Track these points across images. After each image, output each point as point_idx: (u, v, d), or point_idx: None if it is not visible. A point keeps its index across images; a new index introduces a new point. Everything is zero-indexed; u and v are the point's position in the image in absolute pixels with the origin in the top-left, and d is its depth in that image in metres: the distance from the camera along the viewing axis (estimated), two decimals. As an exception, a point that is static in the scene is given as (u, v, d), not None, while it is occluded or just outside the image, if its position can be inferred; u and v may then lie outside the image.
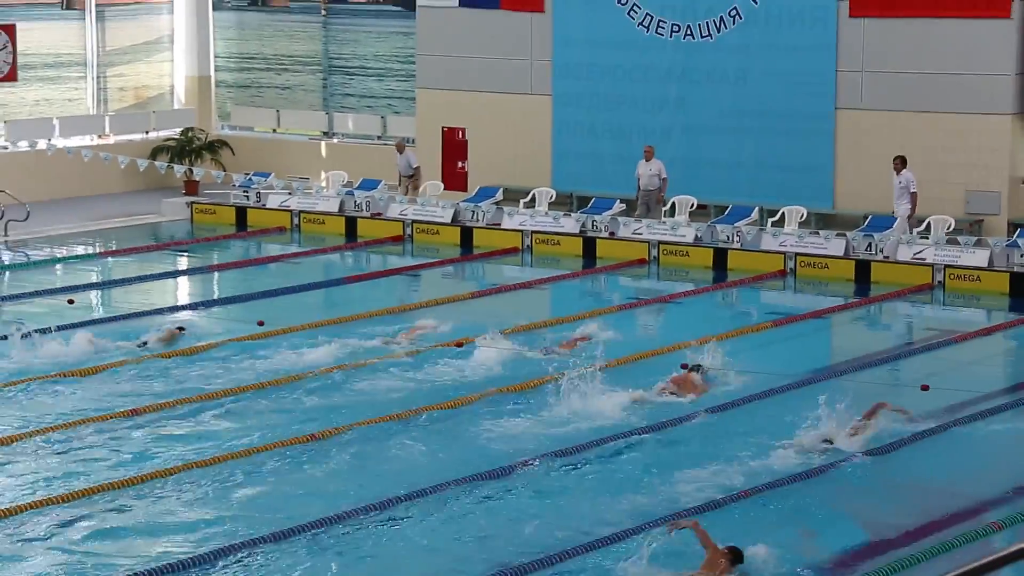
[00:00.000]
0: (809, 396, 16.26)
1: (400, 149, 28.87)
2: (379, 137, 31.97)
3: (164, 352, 18.64)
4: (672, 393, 16.59)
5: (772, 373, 17.86)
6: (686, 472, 14.19)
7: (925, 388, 17.44)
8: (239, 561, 12.41)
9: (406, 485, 13.81)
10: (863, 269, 23.85)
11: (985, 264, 23.27)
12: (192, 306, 21.77)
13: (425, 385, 17.35)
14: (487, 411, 16.13)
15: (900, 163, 24.62)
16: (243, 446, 15.10)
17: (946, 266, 23.31)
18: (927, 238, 24.06)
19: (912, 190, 24.47)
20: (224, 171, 29.98)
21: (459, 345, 18.98)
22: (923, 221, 24.84)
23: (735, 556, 12.01)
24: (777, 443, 14.83)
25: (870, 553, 12.77)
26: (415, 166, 28.64)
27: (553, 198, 27.73)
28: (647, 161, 26.52)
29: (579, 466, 14.57)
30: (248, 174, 29.45)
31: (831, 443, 14.92)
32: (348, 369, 17.80)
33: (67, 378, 17.33)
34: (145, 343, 18.98)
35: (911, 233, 24.12)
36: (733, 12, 27.31)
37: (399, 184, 28.69)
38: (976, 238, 24.00)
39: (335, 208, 28.16)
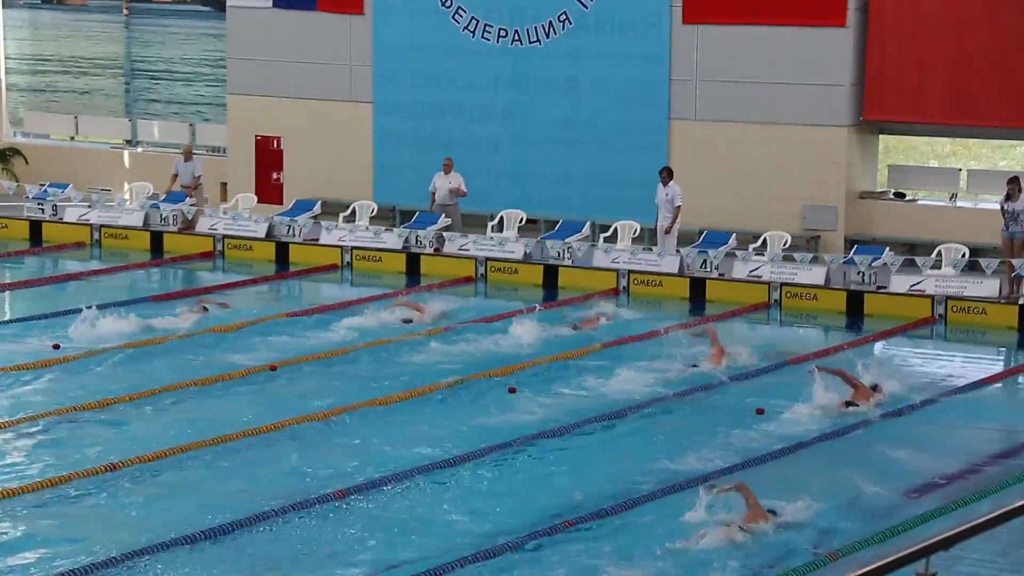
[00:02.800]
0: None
1: (188, 155, 28.58)
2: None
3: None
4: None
5: (595, 398, 18.18)
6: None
7: (760, 412, 17.88)
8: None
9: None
10: (698, 287, 24.33)
11: (822, 282, 23.91)
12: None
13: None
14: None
15: (667, 175, 25.23)
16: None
17: (782, 284, 23.91)
18: (763, 255, 24.64)
19: (677, 204, 25.07)
20: (16, 182, 29.44)
21: (272, 368, 19.08)
22: (759, 237, 25.43)
23: (774, 512, 14.07)
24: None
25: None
26: (198, 174, 28.38)
27: (375, 212, 27.76)
28: (446, 174, 26.71)
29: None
30: (43, 185, 28.94)
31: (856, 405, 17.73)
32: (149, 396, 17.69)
33: None
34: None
35: (675, 247, 24.72)
36: (562, 17, 27.68)
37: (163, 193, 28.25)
38: (812, 255, 24.66)
39: (139, 222, 27.82)
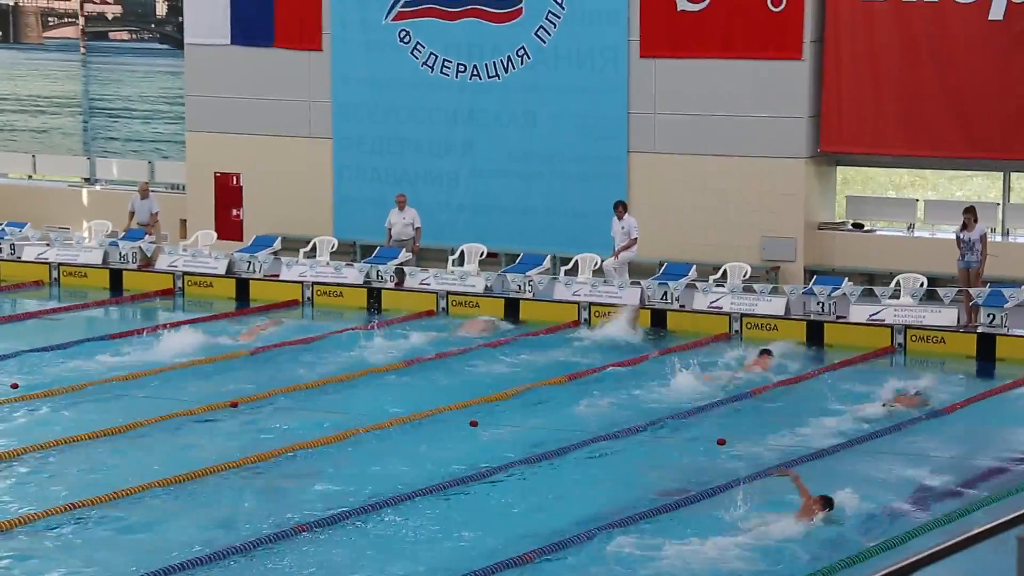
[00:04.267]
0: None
1: (144, 193, 28.58)
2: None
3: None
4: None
5: (562, 431, 18.29)
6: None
7: (721, 442, 17.99)
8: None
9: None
10: (659, 318, 24.45)
11: (782, 312, 24.08)
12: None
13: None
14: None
15: (622, 209, 25.45)
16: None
17: (743, 315, 24.06)
18: (723, 286, 24.78)
19: (633, 236, 25.28)
20: (-26, 221, 29.33)
21: (234, 405, 19.11)
22: (719, 268, 25.59)
23: (827, 503, 14.84)
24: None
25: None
26: (154, 211, 28.40)
27: (335, 247, 27.82)
28: (400, 210, 26.81)
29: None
30: (1, 224, 28.87)
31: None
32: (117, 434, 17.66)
33: None
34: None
35: (626, 276, 24.97)
36: (521, 52, 27.86)
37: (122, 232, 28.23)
38: (772, 285, 24.83)
39: (99, 260, 27.79)
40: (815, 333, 23.60)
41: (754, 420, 19.31)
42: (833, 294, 23.92)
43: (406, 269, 26.22)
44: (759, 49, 26.46)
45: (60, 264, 27.76)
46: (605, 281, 25.28)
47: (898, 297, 23.93)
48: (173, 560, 13.82)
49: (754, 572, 13.89)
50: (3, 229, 28.53)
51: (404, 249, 26.77)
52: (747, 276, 25.32)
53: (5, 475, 16.52)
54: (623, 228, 25.37)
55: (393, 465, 17.04)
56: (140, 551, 14.28)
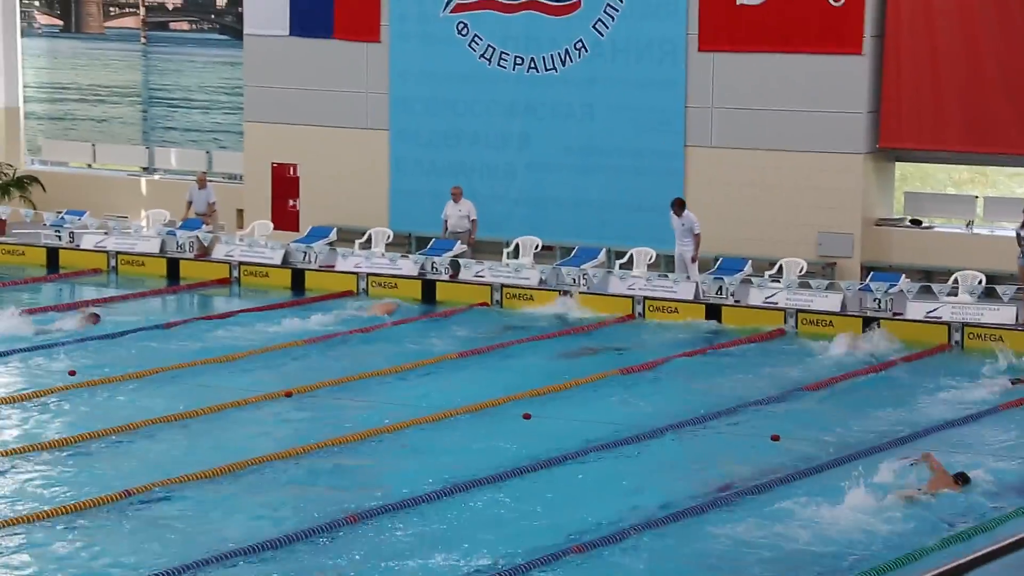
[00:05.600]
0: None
1: (202, 183, 28.80)
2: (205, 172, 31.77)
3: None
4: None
5: (615, 424, 18.27)
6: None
7: (776, 438, 17.93)
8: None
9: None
10: (714, 313, 24.38)
11: (838, 308, 23.94)
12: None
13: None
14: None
15: (679, 206, 25.32)
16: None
17: (798, 311, 23.93)
18: (779, 281, 24.68)
19: (696, 231, 25.16)
20: (34, 209, 29.60)
21: (288, 395, 19.23)
22: (775, 264, 25.48)
23: (964, 479, 15.67)
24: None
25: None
26: (211, 201, 28.60)
27: (391, 239, 27.87)
28: (455, 203, 26.84)
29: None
30: (61, 212, 29.10)
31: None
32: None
33: None
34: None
35: (696, 274, 24.87)
36: (579, 45, 27.80)
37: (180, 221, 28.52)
38: (828, 281, 24.69)
39: (156, 249, 27.97)
40: (868, 329, 23.43)
41: (809, 415, 19.26)
42: (890, 291, 23.76)
43: (461, 261, 26.24)
44: (818, 44, 26.29)
45: (118, 253, 27.94)
46: (660, 275, 25.21)
47: (956, 294, 23.74)
48: (227, 548, 13.89)
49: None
50: (63, 217, 28.76)
51: (460, 241, 26.79)
52: (803, 272, 25.19)
53: (64, 461, 16.67)
54: (683, 224, 25.28)
55: (448, 456, 17.07)
56: (198, 537, 14.36)
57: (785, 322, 23.88)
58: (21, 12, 33.63)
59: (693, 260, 25.19)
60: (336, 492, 15.76)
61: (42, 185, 32.06)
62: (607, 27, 27.57)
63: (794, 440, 17.94)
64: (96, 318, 23.35)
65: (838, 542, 14.50)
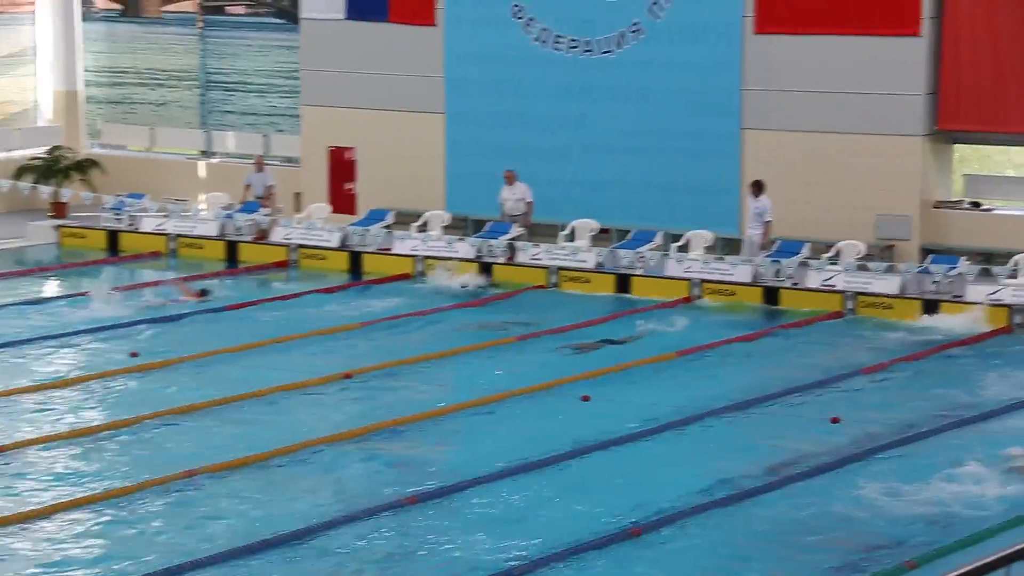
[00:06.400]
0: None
1: (259, 166, 28.90)
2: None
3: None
4: None
5: (675, 406, 18.21)
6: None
7: (836, 420, 17.81)
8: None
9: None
10: (771, 296, 24.23)
11: (896, 291, 23.74)
12: (60, 335, 21.55)
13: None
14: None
15: (756, 188, 25.13)
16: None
17: (856, 293, 23.75)
18: (837, 264, 24.51)
19: (767, 219, 24.99)
20: (94, 192, 29.72)
21: (347, 377, 19.28)
22: (832, 246, 25.30)
23: None
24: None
25: None
26: (269, 184, 28.69)
27: (447, 222, 27.84)
28: (509, 185, 26.79)
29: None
30: (120, 195, 29.23)
31: None
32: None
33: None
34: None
35: (760, 255, 24.75)
36: (635, 28, 27.66)
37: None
38: (887, 264, 24.50)
39: (214, 232, 28.05)
40: (930, 312, 23.23)
41: (868, 397, 19.15)
42: (949, 273, 23.54)
43: (517, 244, 26.18)
44: (876, 25, 26.03)
45: (177, 235, 28.05)
46: (717, 258, 25.09)
47: (1016, 277, 23.49)
48: (285, 530, 13.92)
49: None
50: (122, 201, 28.88)
51: (516, 224, 26.73)
52: (861, 255, 24.99)
53: (125, 443, 16.76)
54: (756, 208, 25.12)
55: (508, 438, 17.06)
56: (254, 519, 14.40)
57: (843, 305, 23.70)
58: (80, -4, 33.82)
59: (762, 247, 25.01)
60: (396, 473, 15.77)
61: (102, 168, 32.21)
62: (663, 10, 27.40)
63: (855, 423, 17.81)
64: (203, 293, 23.75)
65: (899, 522, 14.43)
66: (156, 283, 24.81)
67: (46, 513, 14.43)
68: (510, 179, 26.93)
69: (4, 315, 22.81)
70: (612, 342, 21.37)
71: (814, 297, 23.99)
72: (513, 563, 13.29)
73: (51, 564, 13.40)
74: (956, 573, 9.91)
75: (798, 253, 24.86)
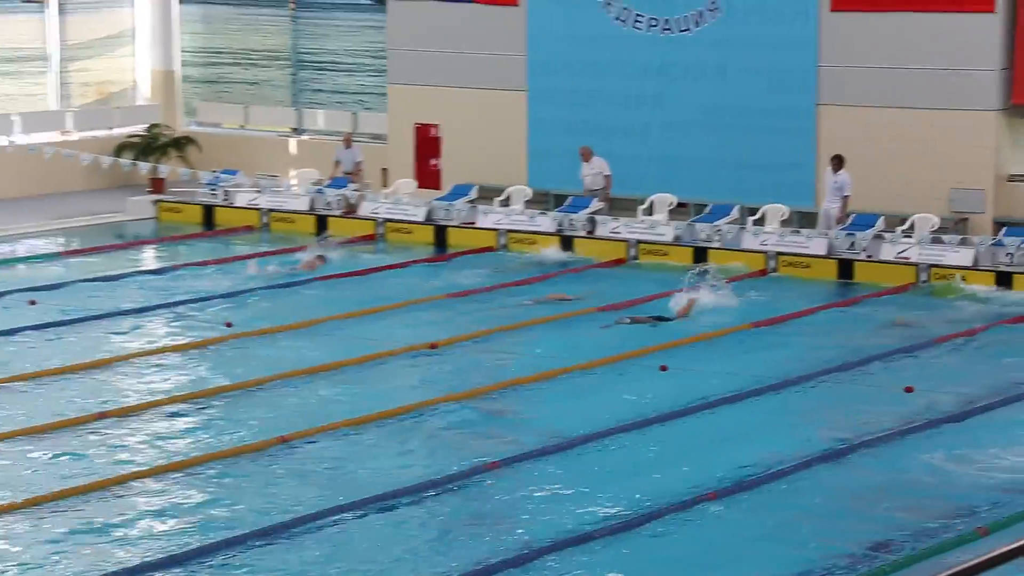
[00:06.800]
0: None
1: (348, 143, 29.06)
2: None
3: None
4: None
5: (751, 375, 18.13)
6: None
7: (910, 390, 17.65)
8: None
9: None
10: (846, 268, 24.03)
11: (970, 263, 23.47)
12: (159, 306, 21.79)
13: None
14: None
15: (837, 162, 24.89)
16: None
17: (931, 265, 23.50)
18: (911, 237, 24.26)
19: (846, 193, 24.75)
20: (191, 168, 29.99)
21: (432, 347, 19.31)
22: (907, 220, 25.04)
23: None
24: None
25: None
26: (358, 160, 28.84)
27: (529, 196, 27.83)
28: (586, 161, 26.70)
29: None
30: (215, 171, 29.48)
31: None
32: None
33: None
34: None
35: (835, 228, 24.51)
36: (712, 6, 27.46)
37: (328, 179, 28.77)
38: (961, 236, 24.20)
39: (305, 206, 28.22)
40: (1004, 283, 22.95)
41: (942, 367, 18.96)
42: (1022, 246, 23.21)
43: (597, 218, 26.12)
44: (951, 2, 25.68)
45: (270, 210, 28.25)
46: (792, 231, 24.90)
47: (1089, 249, 23.15)
48: (379, 491, 14.02)
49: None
50: (217, 176, 29.12)
51: (596, 198, 26.67)
52: (935, 227, 24.71)
53: (216, 410, 16.91)
54: (835, 183, 24.91)
55: (588, 405, 17.06)
56: (342, 483, 14.51)
57: (917, 277, 23.45)
58: (175, -20, 34.07)
59: (839, 221, 24.80)
60: (477, 440, 15.81)
61: (198, 145, 32.49)
62: (740, -12, 27.19)
63: (927, 392, 17.64)
64: (323, 259, 24.20)
65: (972, 489, 14.34)
66: (285, 251, 25.21)
67: (152, 473, 14.62)
68: (586, 155, 26.87)
69: (118, 285, 23.10)
70: (662, 319, 21.11)
71: (888, 269, 23.76)
72: (593, 527, 13.29)
73: (158, 516, 13.63)
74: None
75: (872, 226, 24.62)
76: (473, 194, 27.99)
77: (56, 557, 12.75)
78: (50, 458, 15.17)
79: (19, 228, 27.46)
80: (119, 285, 23.24)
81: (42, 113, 32.22)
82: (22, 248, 25.92)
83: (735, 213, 26.19)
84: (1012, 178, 26.01)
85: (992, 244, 23.62)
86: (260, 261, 24.58)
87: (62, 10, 32.85)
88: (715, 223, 25.50)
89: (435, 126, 29.99)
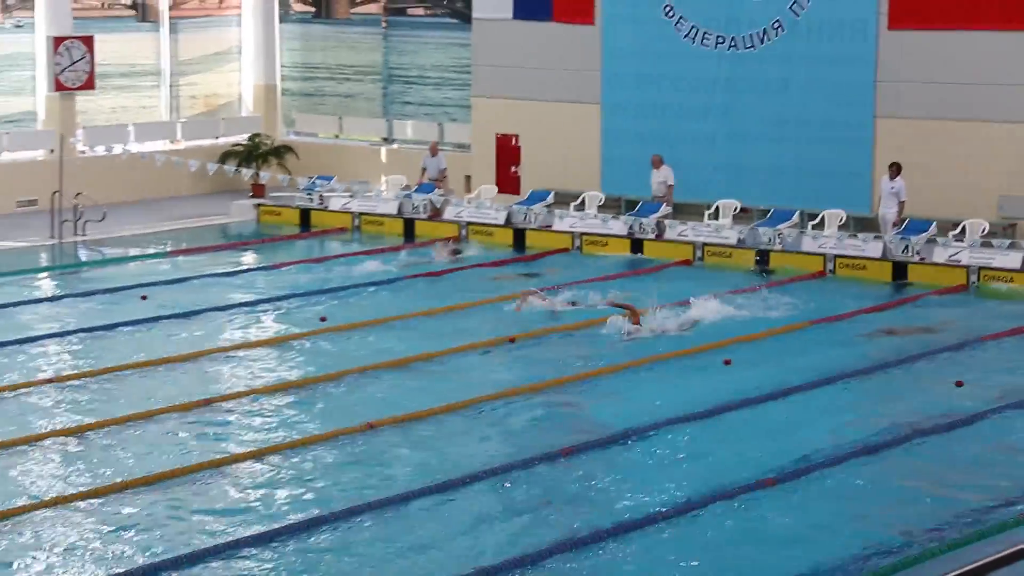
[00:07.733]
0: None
1: (434, 151, 29.18)
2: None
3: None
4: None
5: (806, 370, 18.02)
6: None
7: (960, 384, 17.47)
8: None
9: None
10: (900, 270, 23.81)
11: (1018, 266, 23.18)
12: (259, 301, 22.00)
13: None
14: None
15: (895, 170, 24.65)
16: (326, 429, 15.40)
17: (980, 268, 23.24)
18: (962, 240, 24.01)
19: (902, 198, 24.51)
20: (289, 175, 30.26)
21: (512, 340, 19.36)
22: (958, 224, 24.78)
23: None
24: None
25: None
26: (443, 168, 28.96)
27: (602, 201, 27.83)
28: (656, 169, 26.65)
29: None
30: (312, 178, 29.72)
31: None
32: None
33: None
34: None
35: (892, 232, 24.26)
36: (776, 24, 27.30)
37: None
38: (1010, 240, 23.92)
39: (394, 210, 28.38)
40: (1050, 286, 22.70)
41: (992, 363, 18.74)
42: (1068, 250, 22.92)
43: (666, 222, 26.06)
44: (1002, 21, 25.36)
45: (361, 213, 28.43)
46: (850, 235, 24.70)
47: None
48: (455, 475, 14.07)
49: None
50: (314, 182, 29.35)
51: (663, 204, 26.62)
52: (985, 232, 24.43)
53: (311, 400, 17.00)
54: (892, 188, 24.71)
55: (653, 398, 17.01)
56: (422, 467, 14.57)
57: (968, 279, 23.20)
58: (279, 0, 34.34)
59: (895, 225, 24.58)
60: (550, 430, 15.81)
61: (296, 153, 32.77)
62: (803, 8, 27.00)
63: (977, 385, 17.45)
64: (456, 252, 24.76)
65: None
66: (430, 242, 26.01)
67: (249, 456, 14.77)
68: (656, 163, 26.83)
69: (222, 282, 23.36)
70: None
71: (940, 271, 23.52)
72: (660, 509, 13.27)
73: (253, 498, 13.76)
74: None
75: (926, 231, 24.38)
76: (550, 199, 28.02)
77: (172, 528, 12.92)
78: (165, 437, 15.36)
79: (132, 230, 27.85)
80: (223, 282, 23.49)
81: (154, 123, 32.65)
82: (134, 248, 26.27)
83: (795, 218, 26.04)
84: (1059, 186, 25.65)
85: (1040, 248, 23.32)
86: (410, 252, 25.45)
87: (174, 29, 33.27)
88: (777, 227, 25.36)
89: (515, 136, 30.05)
